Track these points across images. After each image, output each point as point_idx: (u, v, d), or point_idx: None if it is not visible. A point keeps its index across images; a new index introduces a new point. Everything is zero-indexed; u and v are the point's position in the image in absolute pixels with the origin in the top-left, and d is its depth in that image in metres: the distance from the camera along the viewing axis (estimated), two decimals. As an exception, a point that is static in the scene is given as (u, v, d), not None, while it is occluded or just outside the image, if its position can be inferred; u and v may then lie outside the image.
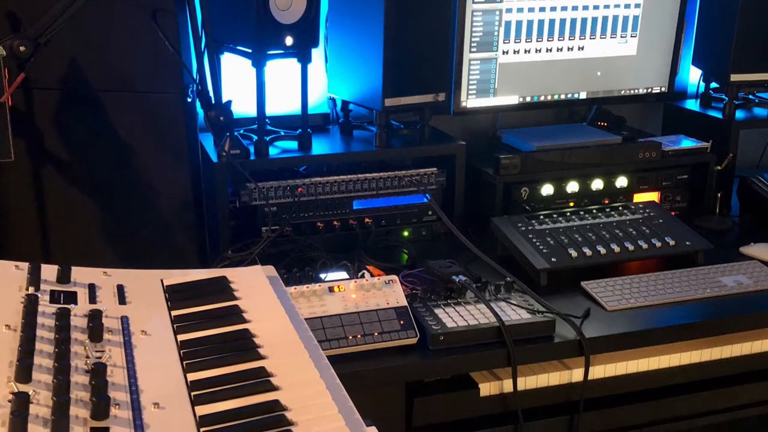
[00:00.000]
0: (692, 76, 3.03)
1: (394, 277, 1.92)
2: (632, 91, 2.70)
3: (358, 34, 2.33)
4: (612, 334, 1.91)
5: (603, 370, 1.94)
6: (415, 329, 1.81)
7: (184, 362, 1.20)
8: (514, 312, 1.88)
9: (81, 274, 1.41)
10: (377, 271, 2.09)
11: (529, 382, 1.89)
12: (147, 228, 2.18)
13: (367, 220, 2.36)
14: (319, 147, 2.36)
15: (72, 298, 1.33)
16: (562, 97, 2.63)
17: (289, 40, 2.16)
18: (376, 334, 1.79)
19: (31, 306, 1.24)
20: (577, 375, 1.91)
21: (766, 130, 2.97)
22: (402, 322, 1.81)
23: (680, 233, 2.29)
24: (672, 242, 2.25)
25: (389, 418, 1.82)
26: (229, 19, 2.22)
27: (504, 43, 2.48)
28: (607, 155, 2.53)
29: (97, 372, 1.10)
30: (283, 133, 2.39)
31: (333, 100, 2.58)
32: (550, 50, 2.55)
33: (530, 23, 2.49)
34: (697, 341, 2.02)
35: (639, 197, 2.58)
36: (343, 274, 2.01)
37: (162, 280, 1.47)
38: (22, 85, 1.91)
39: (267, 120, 2.32)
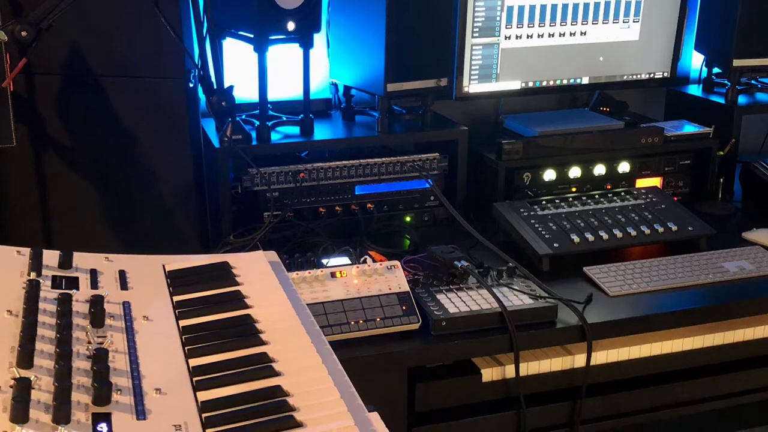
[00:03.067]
0: (695, 62, 3.01)
1: (396, 262, 1.92)
2: (635, 77, 2.69)
3: (360, 18, 2.32)
4: (614, 320, 1.91)
5: (605, 355, 1.94)
6: (417, 315, 1.81)
7: (186, 348, 1.20)
8: (517, 297, 1.88)
9: (83, 260, 1.41)
10: (379, 256, 2.08)
11: (531, 367, 1.89)
12: (149, 213, 2.18)
13: (369, 205, 2.36)
14: (321, 132, 2.36)
15: (74, 283, 1.33)
16: (565, 82, 2.62)
17: (290, 25, 2.15)
18: (378, 319, 1.79)
19: (32, 291, 1.24)
20: (579, 360, 1.91)
21: (769, 115, 2.97)
22: (404, 308, 1.81)
23: (683, 219, 2.29)
24: (674, 228, 2.24)
25: (391, 404, 1.82)
26: (231, 4, 2.21)
27: (506, 28, 2.47)
28: (609, 140, 2.52)
29: (99, 357, 1.10)
30: (285, 119, 2.38)
31: (335, 85, 2.58)
32: (553, 35, 2.54)
33: (532, 8, 2.48)
34: (699, 327, 2.02)
35: (641, 183, 2.57)
36: (345, 260, 2.01)
37: (164, 266, 1.47)
38: (24, 71, 1.91)
39: (269, 105, 2.32)
